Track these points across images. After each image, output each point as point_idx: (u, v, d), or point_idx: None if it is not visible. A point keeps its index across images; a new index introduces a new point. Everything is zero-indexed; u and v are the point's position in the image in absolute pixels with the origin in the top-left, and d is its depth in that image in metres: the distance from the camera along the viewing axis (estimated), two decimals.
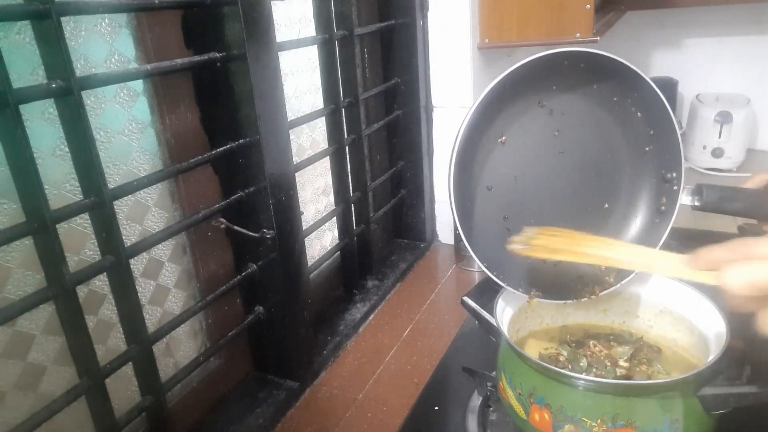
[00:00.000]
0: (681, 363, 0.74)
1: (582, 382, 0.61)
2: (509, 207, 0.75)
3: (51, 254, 0.54)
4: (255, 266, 0.84)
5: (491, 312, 0.71)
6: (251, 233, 0.80)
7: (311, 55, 1.04)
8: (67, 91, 0.53)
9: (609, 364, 0.71)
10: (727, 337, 0.62)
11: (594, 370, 0.70)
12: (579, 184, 0.76)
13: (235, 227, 0.80)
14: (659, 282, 0.77)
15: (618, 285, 0.74)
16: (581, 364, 0.71)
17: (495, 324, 0.69)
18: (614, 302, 0.80)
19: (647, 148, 0.73)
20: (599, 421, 0.59)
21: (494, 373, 0.72)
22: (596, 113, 0.73)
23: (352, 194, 1.10)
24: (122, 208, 0.71)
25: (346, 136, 1.05)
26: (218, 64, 0.73)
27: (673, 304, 0.76)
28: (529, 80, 0.68)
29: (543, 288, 0.73)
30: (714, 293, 0.64)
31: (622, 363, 0.71)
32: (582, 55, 0.67)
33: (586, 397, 0.60)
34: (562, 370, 0.62)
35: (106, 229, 0.60)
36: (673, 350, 0.75)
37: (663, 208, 0.73)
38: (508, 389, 0.67)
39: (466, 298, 0.79)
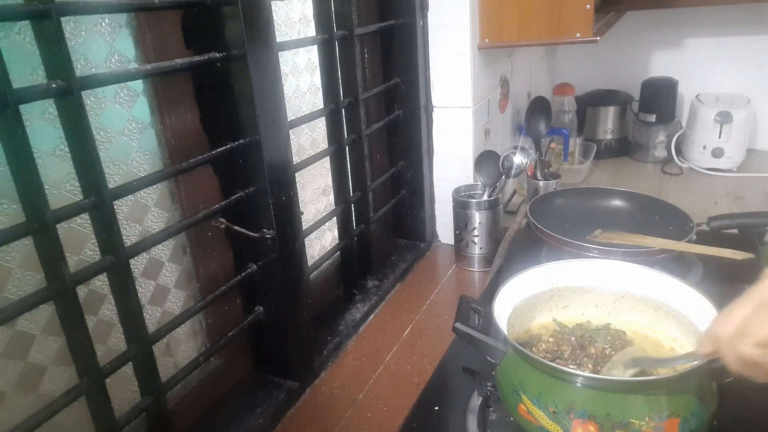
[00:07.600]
0: (645, 342, 0.75)
1: (629, 384, 0.60)
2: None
3: (51, 254, 0.54)
4: (255, 266, 0.84)
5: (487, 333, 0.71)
6: (251, 233, 0.80)
7: (311, 55, 1.04)
8: (67, 91, 0.53)
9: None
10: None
11: (599, 369, 0.69)
12: None
13: (235, 227, 0.80)
14: (618, 270, 0.78)
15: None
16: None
17: (514, 347, 0.66)
18: (573, 297, 0.81)
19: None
20: (647, 418, 0.58)
21: (494, 374, 0.72)
22: None
23: (352, 194, 1.10)
24: (122, 208, 0.71)
25: (346, 136, 1.05)
26: (218, 64, 0.73)
27: (632, 287, 0.77)
28: None
29: None
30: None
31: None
32: None
33: (632, 399, 0.59)
34: (614, 378, 0.61)
35: (106, 229, 0.60)
36: (634, 330, 0.77)
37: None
38: (536, 410, 0.62)
39: (458, 325, 0.72)
